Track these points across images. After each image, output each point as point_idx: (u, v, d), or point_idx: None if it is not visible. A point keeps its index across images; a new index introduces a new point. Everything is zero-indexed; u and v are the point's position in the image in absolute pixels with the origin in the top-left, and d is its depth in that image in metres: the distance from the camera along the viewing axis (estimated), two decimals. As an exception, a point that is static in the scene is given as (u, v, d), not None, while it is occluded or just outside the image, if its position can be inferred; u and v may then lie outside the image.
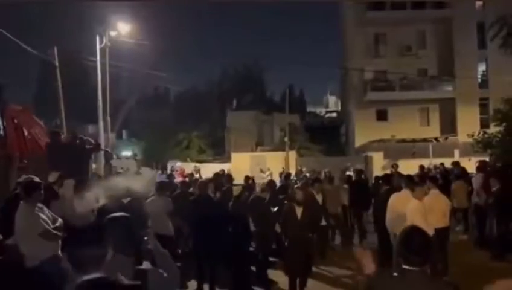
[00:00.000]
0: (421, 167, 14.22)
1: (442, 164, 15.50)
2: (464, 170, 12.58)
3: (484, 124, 24.93)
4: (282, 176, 11.45)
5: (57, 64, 16.59)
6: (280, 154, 26.59)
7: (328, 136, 35.80)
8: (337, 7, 37.01)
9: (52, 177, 5.74)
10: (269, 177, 15.58)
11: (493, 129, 16.38)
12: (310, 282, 6.89)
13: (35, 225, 4.17)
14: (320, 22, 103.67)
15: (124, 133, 38.79)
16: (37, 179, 4.44)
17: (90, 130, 24.66)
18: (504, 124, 14.85)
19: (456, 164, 13.62)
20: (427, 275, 2.46)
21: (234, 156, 27.24)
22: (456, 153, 24.13)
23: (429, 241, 2.51)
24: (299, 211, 6.33)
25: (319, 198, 8.69)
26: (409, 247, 2.44)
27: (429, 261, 2.50)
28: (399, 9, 29.23)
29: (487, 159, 14.38)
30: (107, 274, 1.95)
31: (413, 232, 2.54)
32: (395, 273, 2.52)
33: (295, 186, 7.19)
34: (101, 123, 17.60)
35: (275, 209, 7.82)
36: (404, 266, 2.45)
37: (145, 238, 2.76)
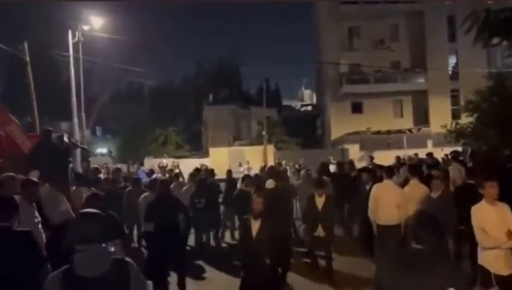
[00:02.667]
0: (398, 158, 14.58)
1: (416, 154, 15.94)
2: (436, 160, 12.99)
3: (455, 115, 25.73)
4: (265, 170, 11.47)
5: (28, 59, 16.10)
6: (258, 148, 26.69)
7: (304, 130, 36.12)
8: (312, 1, 37.25)
9: (34, 175, 5.62)
10: (246, 171, 15.61)
11: (465, 120, 16.91)
12: None
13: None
14: (295, 16, 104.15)
15: (99, 130, 38.05)
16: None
17: (63, 127, 24.08)
18: (475, 114, 15.34)
19: (429, 154, 14.08)
20: (435, 253, 2.60)
21: (212, 150, 27.18)
22: (429, 143, 24.86)
23: (441, 224, 2.67)
24: (255, 226, 4.65)
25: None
26: (426, 227, 2.60)
27: (441, 241, 2.64)
28: (372, 3, 29.71)
29: (459, 149, 14.90)
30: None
31: (430, 215, 2.74)
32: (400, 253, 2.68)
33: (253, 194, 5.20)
34: (76, 120, 17.19)
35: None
36: (415, 246, 2.61)
37: (112, 249, 2.66)
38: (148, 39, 28.59)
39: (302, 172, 10.27)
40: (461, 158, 11.87)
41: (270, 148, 26.79)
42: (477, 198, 4.75)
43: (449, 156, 12.56)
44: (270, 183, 6.96)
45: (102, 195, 4.05)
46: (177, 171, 13.95)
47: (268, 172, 9.13)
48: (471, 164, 10.97)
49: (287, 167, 15.43)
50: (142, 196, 7.54)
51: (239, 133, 34.29)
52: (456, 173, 8.68)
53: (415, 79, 30.23)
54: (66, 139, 7.52)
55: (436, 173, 8.33)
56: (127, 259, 2.49)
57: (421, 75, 29.98)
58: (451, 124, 17.32)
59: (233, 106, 35.45)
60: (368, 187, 7.85)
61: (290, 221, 8.11)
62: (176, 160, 22.80)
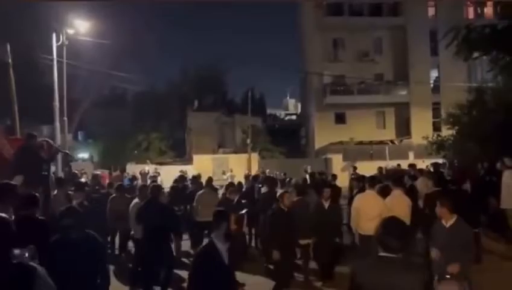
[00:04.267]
0: (380, 169, 14.76)
1: (398, 165, 16.17)
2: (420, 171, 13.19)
3: (436, 128, 26.21)
4: (250, 178, 11.46)
5: (10, 61, 15.81)
6: (242, 156, 26.67)
7: (288, 139, 36.29)
8: (297, 12, 37.68)
9: (17, 180, 5.50)
10: (229, 179, 15.56)
11: (446, 132, 17.26)
12: None
13: None
14: (280, 26, 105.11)
15: (80, 135, 37.47)
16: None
17: (45, 131, 23.64)
18: (456, 127, 15.67)
19: (411, 165, 14.32)
20: (403, 260, 2.66)
21: (196, 157, 27.04)
22: (411, 155, 25.22)
23: (406, 229, 2.77)
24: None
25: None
26: (388, 233, 2.68)
27: (406, 248, 2.72)
28: (356, 15, 30.21)
29: (440, 160, 15.17)
30: None
31: (393, 221, 2.83)
32: (373, 261, 2.78)
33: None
34: (57, 124, 16.92)
35: (244, 211, 7.87)
36: (382, 254, 2.68)
37: (26, 255, 2.65)
38: (133, 44, 28.32)
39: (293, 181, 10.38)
40: (442, 170, 12.15)
41: (254, 157, 26.80)
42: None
43: (428, 168, 12.85)
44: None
45: (77, 209, 3.93)
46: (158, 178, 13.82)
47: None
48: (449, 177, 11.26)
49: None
50: (133, 202, 7.47)
51: (223, 141, 34.22)
52: (423, 186, 8.87)
53: (397, 91, 30.76)
54: (50, 144, 7.40)
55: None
56: (34, 265, 2.47)
57: (403, 88, 30.53)
58: (433, 136, 17.66)
59: (218, 113, 35.38)
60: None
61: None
62: (158, 167, 22.64)
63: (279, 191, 9.42)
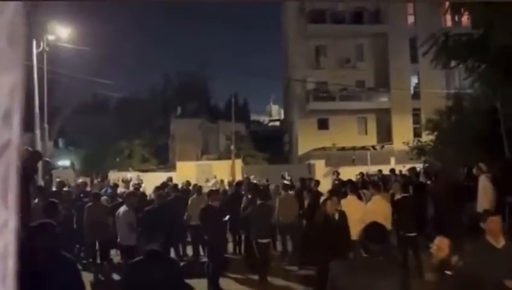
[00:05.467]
0: (361, 174, 14.99)
1: (380, 170, 16.41)
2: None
3: (417, 133, 26.68)
4: (233, 184, 11.50)
5: (-12, 68, 15.52)
6: (226, 163, 26.59)
7: (272, 145, 36.35)
8: (280, 20, 37.97)
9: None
10: (215, 187, 15.51)
11: (426, 138, 17.61)
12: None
13: None
14: (263, 33, 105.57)
15: (61, 142, 36.87)
16: None
17: (24, 138, 23.21)
18: (435, 132, 16.01)
19: (393, 170, 14.61)
20: (383, 262, 2.80)
21: (179, 164, 26.83)
22: (392, 160, 25.52)
23: (387, 234, 2.92)
24: None
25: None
26: (369, 238, 2.82)
27: (386, 251, 2.89)
28: (338, 23, 30.62)
29: (420, 165, 15.47)
30: None
31: (374, 226, 3.00)
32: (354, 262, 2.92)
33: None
34: (38, 131, 16.68)
35: (226, 218, 7.88)
36: (365, 255, 2.83)
37: None
38: (115, 51, 28.20)
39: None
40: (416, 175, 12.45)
41: (238, 163, 26.77)
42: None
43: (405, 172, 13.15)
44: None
45: (51, 225, 3.57)
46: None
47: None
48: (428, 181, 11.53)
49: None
50: (122, 210, 7.41)
51: (207, 147, 34.13)
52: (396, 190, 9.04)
53: (378, 98, 31.21)
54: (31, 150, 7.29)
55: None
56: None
57: (384, 94, 31.00)
58: (413, 141, 17.99)
59: (202, 120, 35.30)
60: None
61: None
62: (141, 174, 22.41)
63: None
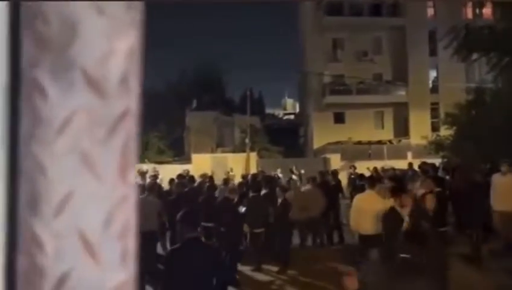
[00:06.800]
0: (375, 169, 14.76)
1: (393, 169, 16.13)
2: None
3: (435, 128, 26.29)
4: (249, 176, 11.53)
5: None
6: (241, 156, 26.66)
7: (287, 138, 36.25)
8: (297, 12, 37.66)
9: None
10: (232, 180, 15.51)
11: (444, 132, 17.32)
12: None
13: None
14: (279, 26, 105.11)
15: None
16: None
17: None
18: (454, 127, 15.73)
19: (410, 165, 14.42)
20: (417, 261, 2.65)
21: (194, 157, 27.00)
22: (409, 155, 25.22)
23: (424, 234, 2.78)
24: None
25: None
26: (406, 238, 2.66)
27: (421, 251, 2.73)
28: (356, 15, 30.23)
29: (438, 160, 15.24)
30: None
31: (411, 226, 2.80)
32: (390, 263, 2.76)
33: None
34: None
35: (243, 210, 7.90)
36: (402, 255, 2.74)
37: None
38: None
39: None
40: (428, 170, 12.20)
41: (253, 156, 26.79)
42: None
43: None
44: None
45: None
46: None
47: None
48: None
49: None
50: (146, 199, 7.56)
51: (222, 140, 34.22)
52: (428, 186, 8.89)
53: (396, 91, 30.79)
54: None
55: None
56: None
57: (402, 88, 30.56)
58: (432, 136, 17.71)
59: (217, 113, 35.39)
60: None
61: None
62: (157, 166, 22.57)
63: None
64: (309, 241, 9.75)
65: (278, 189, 8.93)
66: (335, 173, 11.97)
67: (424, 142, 18.01)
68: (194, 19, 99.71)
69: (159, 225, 7.49)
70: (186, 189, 9.68)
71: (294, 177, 14.68)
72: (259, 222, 7.92)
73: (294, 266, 8.08)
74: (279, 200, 8.49)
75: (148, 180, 13.05)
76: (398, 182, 7.79)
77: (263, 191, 8.59)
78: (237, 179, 14.64)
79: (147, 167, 21.58)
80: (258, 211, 7.90)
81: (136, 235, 0.48)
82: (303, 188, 9.72)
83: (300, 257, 8.50)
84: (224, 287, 4.68)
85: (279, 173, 15.78)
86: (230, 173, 18.00)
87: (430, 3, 30.65)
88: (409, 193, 7.20)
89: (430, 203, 5.96)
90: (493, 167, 9.74)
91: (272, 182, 10.06)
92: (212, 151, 30.25)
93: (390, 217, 5.29)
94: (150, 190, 7.87)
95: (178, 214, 3.80)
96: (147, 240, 7.20)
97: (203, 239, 3.82)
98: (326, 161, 26.15)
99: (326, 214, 9.33)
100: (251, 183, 9.74)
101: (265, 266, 8.13)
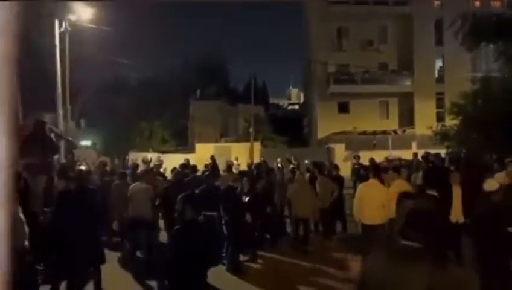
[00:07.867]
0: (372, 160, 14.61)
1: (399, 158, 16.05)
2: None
3: (440, 118, 26.07)
4: (253, 166, 11.50)
5: (12, 48, 15.72)
6: (244, 145, 26.63)
7: (291, 128, 36.19)
8: (302, 1, 37.27)
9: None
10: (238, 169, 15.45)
11: (449, 122, 17.15)
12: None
13: None
14: (283, 15, 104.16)
15: (83, 122, 37.39)
16: None
17: (47, 118, 23.59)
18: (460, 117, 15.55)
19: (416, 155, 14.37)
20: (424, 250, 2.55)
21: (198, 146, 27.02)
22: (414, 145, 25.09)
23: (429, 221, 2.68)
24: None
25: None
26: (409, 224, 2.62)
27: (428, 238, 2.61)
28: (361, 4, 29.87)
29: (443, 151, 15.11)
30: None
31: (417, 211, 2.82)
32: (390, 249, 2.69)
33: None
34: (60, 111, 16.93)
35: (247, 199, 7.87)
36: (403, 242, 2.59)
37: None
38: (136, 32, 28.20)
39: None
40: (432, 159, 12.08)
41: (257, 146, 26.76)
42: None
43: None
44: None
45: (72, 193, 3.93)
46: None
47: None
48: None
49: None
50: (144, 187, 7.50)
51: (226, 130, 34.19)
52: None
53: (401, 81, 30.52)
54: (53, 129, 7.41)
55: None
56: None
57: (407, 78, 30.29)
58: (437, 126, 17.55)
59: (221, 102, 35.31)
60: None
61: None
62: (160, 155, 22.60)
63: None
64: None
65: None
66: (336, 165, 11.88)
67: (429, 132, 17.82)
68: (198, 8, 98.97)
69: (151, 211, 7.42)
70: (187, 178, 9.66)
71: (291, 166, 14.54)
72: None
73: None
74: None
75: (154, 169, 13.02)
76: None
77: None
78: (243, 168, 14.63)
79: (150, 155, 21.63)
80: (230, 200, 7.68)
81: None
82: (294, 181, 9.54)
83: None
84: (205, 270, 4.62)
85: (279, 164, 15.68)
86: (236, 163, 17.95)
87: (437, -8, 30.23)
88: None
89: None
90: (499, 158, 9.62)
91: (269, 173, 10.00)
92: (216, 140, 30.24)
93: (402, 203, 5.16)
94: (141, 177, 7.87)
95: (178, 197, 3.81)
96: (138, 226, 7.25)
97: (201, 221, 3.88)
98: (330, 151, 26.08)
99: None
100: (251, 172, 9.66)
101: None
